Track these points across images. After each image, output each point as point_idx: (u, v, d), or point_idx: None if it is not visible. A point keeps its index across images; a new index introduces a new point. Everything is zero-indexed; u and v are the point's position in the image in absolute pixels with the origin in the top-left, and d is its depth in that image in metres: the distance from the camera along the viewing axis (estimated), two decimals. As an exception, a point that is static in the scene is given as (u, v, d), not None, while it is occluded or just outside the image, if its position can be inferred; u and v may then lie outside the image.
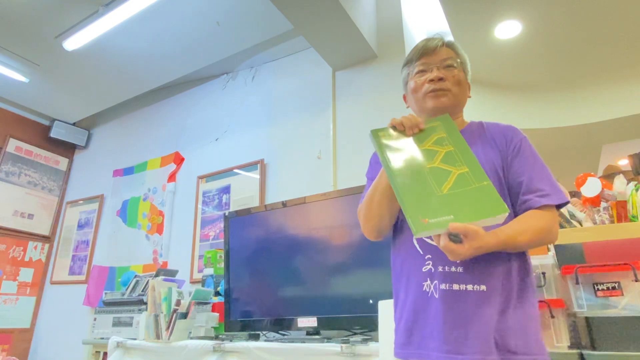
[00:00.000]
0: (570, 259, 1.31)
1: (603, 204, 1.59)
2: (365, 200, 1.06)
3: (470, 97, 1.15)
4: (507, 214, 0.85)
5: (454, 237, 0.85)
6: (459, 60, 1.10)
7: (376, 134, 1.01)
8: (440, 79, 1.06)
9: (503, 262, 0.94)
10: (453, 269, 0.94)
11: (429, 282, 0.97)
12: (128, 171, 3.55)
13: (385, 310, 1.36)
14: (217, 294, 2.21)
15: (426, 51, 1.10)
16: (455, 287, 0.92)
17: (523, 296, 0.93)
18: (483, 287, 0.91)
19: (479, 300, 0.90)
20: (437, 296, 0.94)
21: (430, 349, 0.93)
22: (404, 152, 0.96)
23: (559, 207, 0.97)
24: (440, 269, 0.95)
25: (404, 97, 1.19)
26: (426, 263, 0.98)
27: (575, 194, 1.81)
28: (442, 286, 0.94)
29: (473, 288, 0.91)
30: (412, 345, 0.97)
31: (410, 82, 1.12)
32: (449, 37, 1.17)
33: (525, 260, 0.98)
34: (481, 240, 0.84)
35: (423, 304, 0.97)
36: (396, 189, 0.91)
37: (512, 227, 0.92)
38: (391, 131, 1.01)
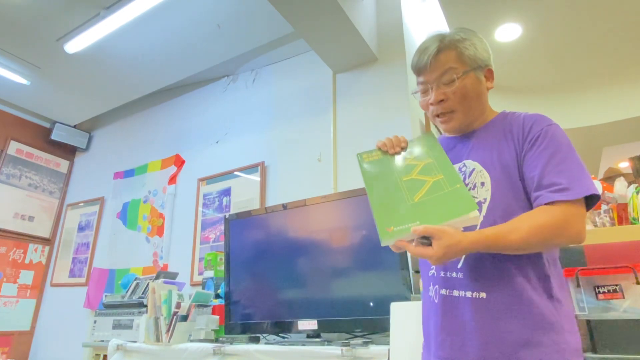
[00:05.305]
0: (571, 261, 1.31)
1: (604, 207, 1.59)
2: None
3: (491, 87, 1.07)
4: (476, 211, 0.82)
5: (424, 241, 0.84)
6: (460, 66, 0.99)
7: (360, 156, 1.06)
8: (441, 101, 0.99)
9: (508, 269, 0.87)
10: (454, 274, 0.92)
11: (432, 287, 0.97)
12: (128, 173, 3.55)
13: (398, 312, 1.36)
14: (217, 296, 2.21)
15: (419, 69, 1.02)
16: (455, 293, 0.91)
17: (534, 305, 0.85)
18: (483, 295, 0.87)
19: (478, 307, 0.87)
20: (436, 301, 0.94)
21: (432, 355, 0.94)
22: (382, 169, 1.01)
23: (589, 203, 0.86)
24: (442, 274, 0.94)
25: None
26: (431, 267, 0.98)
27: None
28: (442, 291, 0.93)
29: (472, 295, 0.88)
30: (426, 349, 0.99)
31: (417, 96, 1.07)
32: (445, 34, 1.05)
33: (541, 267, 0.88)
34: (451, 239, 0.80)
35: (428, 309, 0.98)
36: (371, 204, 0.95)
37: (502, 226, 0.84)
38: (376, 152, 1.05)
